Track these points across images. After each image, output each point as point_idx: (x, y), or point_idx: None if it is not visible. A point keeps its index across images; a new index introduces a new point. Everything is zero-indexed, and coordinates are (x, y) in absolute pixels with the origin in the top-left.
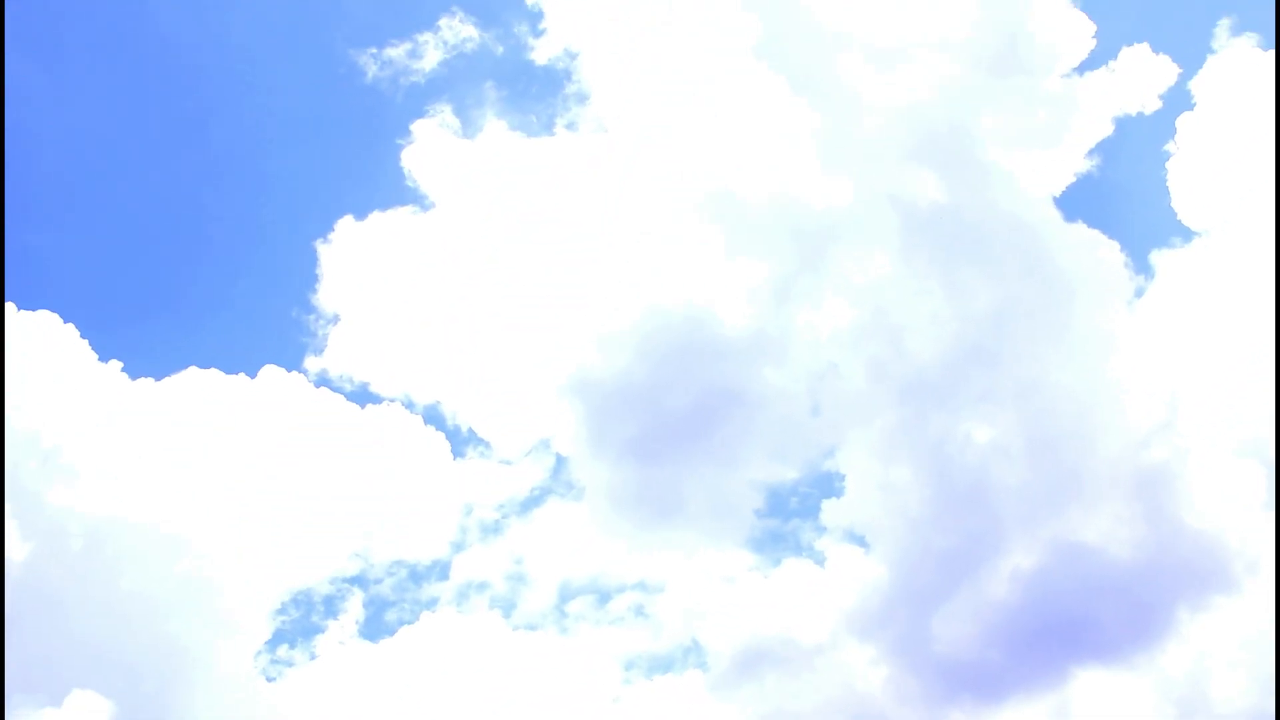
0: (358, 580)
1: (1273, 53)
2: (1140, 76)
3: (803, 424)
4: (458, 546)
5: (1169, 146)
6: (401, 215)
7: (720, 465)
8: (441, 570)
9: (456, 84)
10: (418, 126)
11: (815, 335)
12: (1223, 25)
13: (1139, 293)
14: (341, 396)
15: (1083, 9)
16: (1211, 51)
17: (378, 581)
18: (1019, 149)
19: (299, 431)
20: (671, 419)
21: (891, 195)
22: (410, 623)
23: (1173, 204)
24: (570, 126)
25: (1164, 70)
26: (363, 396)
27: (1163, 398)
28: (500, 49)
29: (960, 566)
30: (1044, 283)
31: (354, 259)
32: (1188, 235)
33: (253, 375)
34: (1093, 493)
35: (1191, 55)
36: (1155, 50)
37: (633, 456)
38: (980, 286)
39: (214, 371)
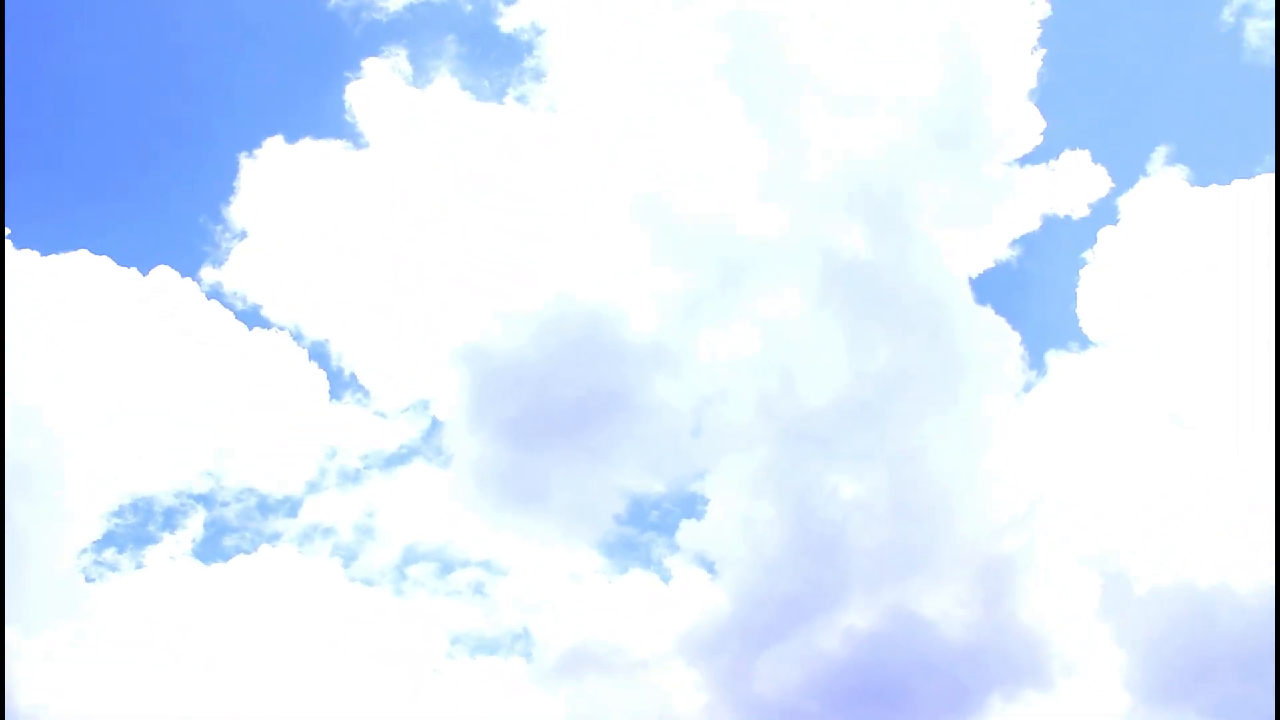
0: (204, 499)
1: (1199, 188)
2: (1075, 181)
3: (681, 441)
4: (313, 487)
5: (1087, 254)
6: (333, 148)
7: (591, 464)
8: (291, 507)
9: (417, 31)
10: (369, 64)
11: (713, 357)
12: (1160, 152)
13: (1028, 387)
14: (231, 314)
15: (1037, 104)
16: (1145, 174)
17: (224, 504)
18: (948, 223)
19: (177, 337)
20: (555, 408)
21: (818, 239)
22: (248, 552)
23: (1078, 310)
24: (521, 99)
25: (1098, 180)
26: (252, 318)
27: (1026, 493)
28: (469, 6)
29: (799, 612)
30: (942, 358)
31: (275, 180)
32: (1085, 343)
33: (144, 272)
34: (940, 569)
35: (1126, 173)
36: (1095, 159)
37: (508, 436)
38: (881, 347)
39: (105, 259)
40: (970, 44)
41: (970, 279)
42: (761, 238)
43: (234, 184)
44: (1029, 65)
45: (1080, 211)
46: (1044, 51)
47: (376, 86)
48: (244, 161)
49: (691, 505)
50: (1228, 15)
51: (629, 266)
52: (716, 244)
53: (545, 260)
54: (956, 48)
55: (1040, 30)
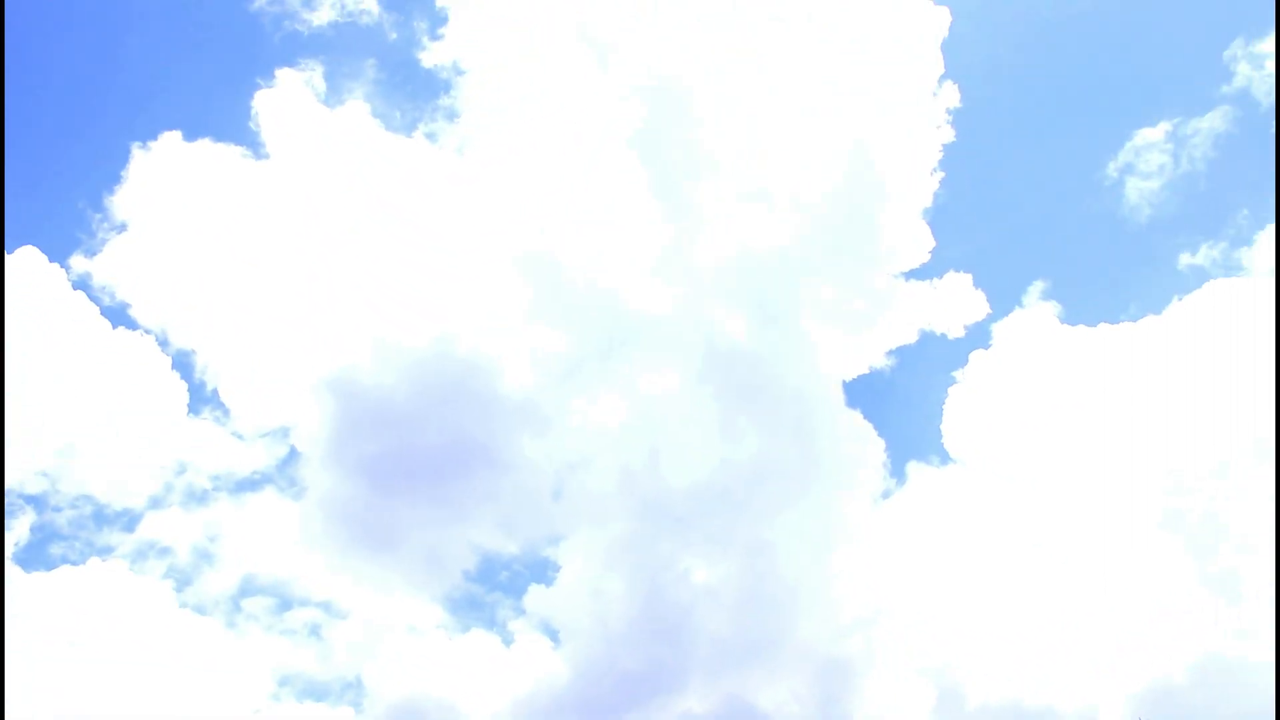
0: (35, 501)
1: (1068, 326)
2: (955, 303)
3: (540, 504)
4: (156, 502)
5: (958, 374)
6: (231, 152)
7: (447, 515)
8: (129, 520)
9: (338, 49)
10: (283, 75)
11: (584, 424)
12: (1036, 286)
13: (887, 494)
14: (96, 308)
15: (930, 223)
16: (1020, 305)
17: (57, 509)
18: (830, 325)
19: (34, 324)
20: (418, 452)
21: (703, 323)
22: (75, 564)
23: (942, 426)
24: (430, 136)
25: (977, 305)
26: (118, 316)
27: (873, 598)
28: (394, 35)
29: (638, 691)
30: (807, 455)
31: (166, 177)
32: (945, 459)
33: (9, 250)
34: (781, 664)
35: (1003, 301)
36: (976, 284)
37: (366, 476)
38: (750, 436)
39: None
40: (874, 157)
41: (844, 382)
42: (648, 313)
43: (121, 173)
44: (927, 185)
45: (956, 331)
46: (943, 175)
47: (287, 98)
48: (136, 152)
49: (543, 570)
50: (1112, 170)
51: (513, 320)
52: (603, 312)
53: (429, 300)
54: (861, 158)
55: (942, 154)
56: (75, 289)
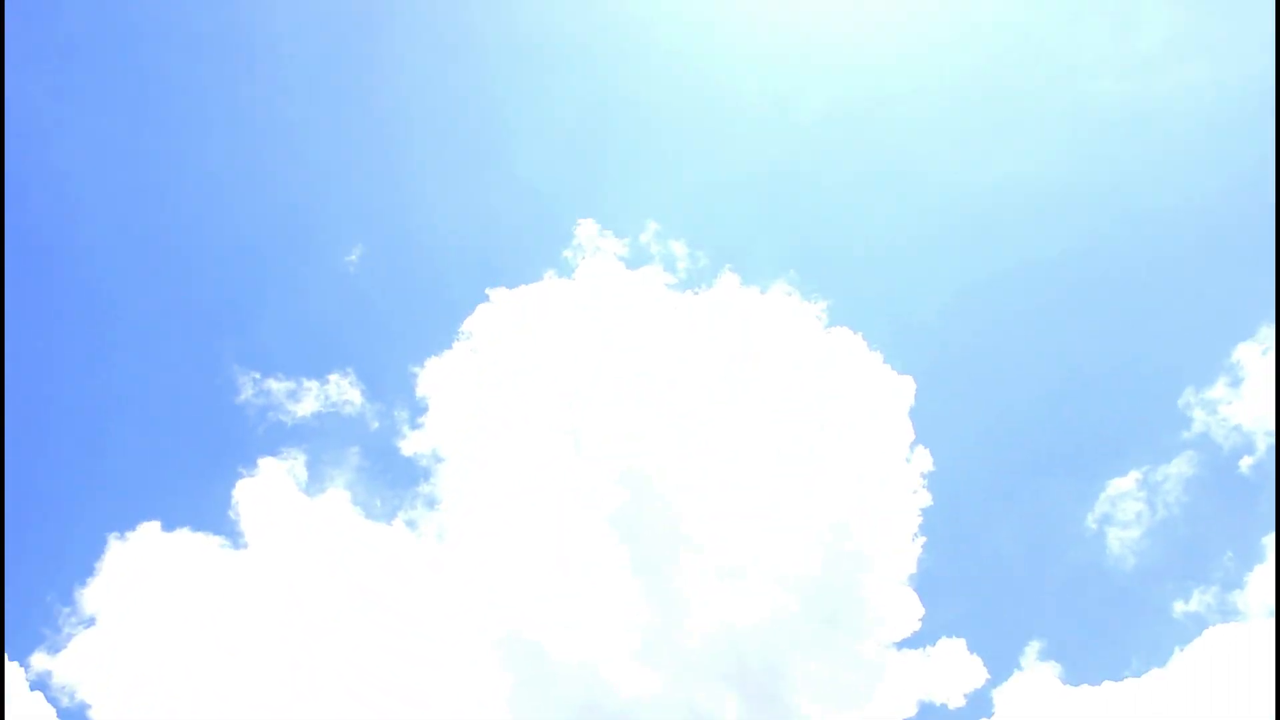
0: None
1: (1071, 688)
2: (952, 670)
3: None
4: None
5: None
6: (209, 543)
7: None
8: None
9: (320, 439)
10: (265, 463)
11: None
12: (1033, 647)
13: None
14: (54, 710)
15: (917, 590)
16: (1019, 668)
17: None
18: (824, 703)
19: None
20: None
21: (692, 706)
22: None
23: None
24: (410, 524)
25: (974, 671)
26: (76, 718)
27: None
28: (375, 424)
29: None
30: None
31: (140, 570)
32: None
33: None
34: None
35: (1001, 665)
36: (971, 649)
37: None
38: None
39: None
40: (853, 527)
41: None
42: (636, 699)
43: (95, 565)
44: (910, 551)
45: (956, 701)
46: (924, 540)
47: (268, 487)
48: (112, 542)
49: None
50: (1091, 522)
51: (496, 709)
52: (587, 700)
53: (409, 689)
54: (840, 529)
55: (921, 519)
56: (33, 689)
